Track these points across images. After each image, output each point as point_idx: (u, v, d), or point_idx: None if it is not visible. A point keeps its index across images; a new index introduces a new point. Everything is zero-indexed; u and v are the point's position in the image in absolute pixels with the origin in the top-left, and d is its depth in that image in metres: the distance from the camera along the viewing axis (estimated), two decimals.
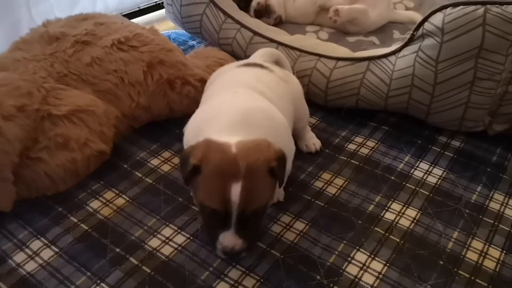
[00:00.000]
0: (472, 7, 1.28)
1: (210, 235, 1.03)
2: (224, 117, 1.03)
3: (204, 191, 0.97)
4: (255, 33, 1.65)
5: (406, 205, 1.27)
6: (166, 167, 1.36)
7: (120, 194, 1.28)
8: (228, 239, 0.97)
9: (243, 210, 0.95)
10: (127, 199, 1.26)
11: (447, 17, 1.30)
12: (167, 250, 1.14)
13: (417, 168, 1.39)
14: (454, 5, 1.30)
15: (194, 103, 1.51)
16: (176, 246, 1.15)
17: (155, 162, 1.38)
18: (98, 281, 1.07)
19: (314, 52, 1.56)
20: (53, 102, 1.27)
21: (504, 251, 1.16)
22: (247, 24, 1.67)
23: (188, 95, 1.49)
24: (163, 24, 2.12)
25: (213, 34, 1.73)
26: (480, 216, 1.25)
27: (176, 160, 1.39)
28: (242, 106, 1.07)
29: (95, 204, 1.25)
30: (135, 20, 2.11)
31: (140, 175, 1.34)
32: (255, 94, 1.14)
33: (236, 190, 0.93)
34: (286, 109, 1.21)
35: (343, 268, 1.11)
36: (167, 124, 1.51)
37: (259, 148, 0.97)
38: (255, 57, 1.45)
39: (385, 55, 1.46)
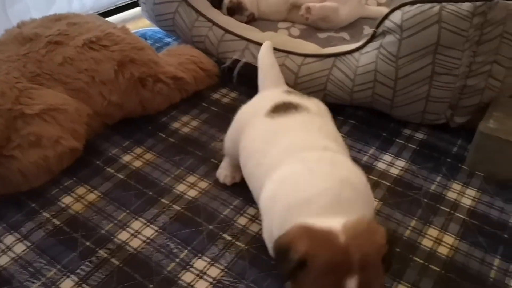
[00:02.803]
0: (428, 5, 1.32)
1: None
2: (315, 197, 0.88)
3: None
4: (226, 30, 1.70)
5: None
6: (138, 163, 1.41)
7: (92, 189, 1.32)
8: None
9: None
10: (99, 194, 1.31)
11: (405, 14, 1.35)
12: (135, 243, 1.19)
13: (381, 160, 1.44)
14: (412, 3, 1.34)
15: (166, 100, 1.57)
16: (144, 238, 1.20)
17: (127, 158, 1.43)
18: (68, 273, 1.11)
19: (283, 49, 1.61)
20: (25, 101, 1.31)
21: (458, 238, 1.22)
22: (218, 22, 1.71)
23: (160, 92, 1.53)
24: (140, 21, 2.15)
25: (186, 32, 1.77)
26: (438, 205, 1.30)
27: (148, 156, 1.43)
28: (327, 180, 0.91)
29: (67, 199, 1.29)
30: (112, 18, 2.15)
31: (112, 171, 1.38)
32: (324, 155, 0.98)
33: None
34: (344, 149, 1.08)
35: None
36: (140, 121, 1.55)
37: (368, 231, 0.82)
38: (267, 79, 1.33)
39: (350, 52, 1.51)
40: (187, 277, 1.12)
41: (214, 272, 1.13)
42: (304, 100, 1.16)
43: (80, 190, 1.32)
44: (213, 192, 1.33)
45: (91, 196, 1.30)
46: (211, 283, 1.10)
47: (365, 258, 0.78)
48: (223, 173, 1.34)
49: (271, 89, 1.28)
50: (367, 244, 0.80)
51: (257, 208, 1.28)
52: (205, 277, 1.12)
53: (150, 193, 1.32)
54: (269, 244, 0.99)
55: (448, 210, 1.29)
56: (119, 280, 1.10)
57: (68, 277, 1.11)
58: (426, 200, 1.32)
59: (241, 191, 1.32)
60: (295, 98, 1.17)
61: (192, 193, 1.32)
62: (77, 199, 1.29)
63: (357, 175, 0.96)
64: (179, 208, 1.28)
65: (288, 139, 1.04)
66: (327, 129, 1.10)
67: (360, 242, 0.79)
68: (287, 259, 0.80)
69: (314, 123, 1.09)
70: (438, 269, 1.14)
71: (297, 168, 0.95)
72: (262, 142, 1.07)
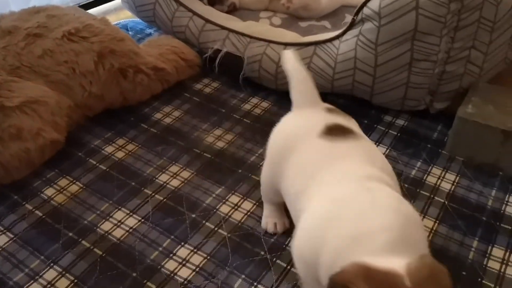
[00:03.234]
0: None
1: None
2: (377, 233, 0.76)
3: None
4: (207, 20, 1.70)
5: None
6: (120, 154, 1.41)
7: (74, 181, 1.32)
8: None
9: None
10: (81, 185, 1.31)
11: (383, 1, 1.36)
12: (118, 233, 1.19)
13: None
14: None
15: (147, 91, 1.58)
16: (127, 228, 1.20)
17: (109, 149, 1.43)
18: (51, 264, 1.12)
19: (264, 38, 1.61)
20: (5, 94, 1.31)
21: (438, 221, 1.24)
22: (198, 12, 1.71)
23: (141, 83, 1.53)
24: (122, 13, 2.14)
25: (167, 23, 1.77)
26: (418, 190, 1.32)
27: (130, 147, 1.44)
28: (393, 214, 0.80)
29: (49, 191, 1.29)
30: (93, 10, 2.14)
31: (94, 162, 1.38)
32: (391, 192, 0.87)
33: None
34: (397, 186, 0.96)
35: (286, 243, 1.17)
36: (122, 112, 1.55)
37: (433, 273, 0.72)
38: (303, 96, 1.12)
39: (330, 40, 1.52)
40: (170, 265, 1.13)
41: (197, 259, 1.14)
42: (347, 120, 1.06)
43: (63, 182, 1.32)
44: (196, 181, 1.33)
45: (74, 188, 1.30)
46: (194, 270, 1.11)
47: None
48: (271, 221, 1.19)
49: (310, 108, 1.10)
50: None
51: (241, 196, 1.29)
52: (188, 264, 1.13)
53: (133, 183, 1.32)
54: (299, 264, 0.91)
55: (428, 194, 1.31)
56: (102, 269, 1.11)
57: (51, 267, 1.11)
58: (406, 185, 1.33)
59: (223, 179, 1.34)
60: (344, 120, 1.05)
61: (175, 182, 1.33)
62: (59, 191, 1.29)
63: (415, 215, 0.85)
64: (161, 198, 1.28)
65: (348, 166, 0.92)
66: (389, 167, 0.98)
67: (427, 287, 0.70)
68: None
69: (378, 156, 0.98)
70: None
71: (358, 194, 0.84)
72: (315, 165, 0.95)
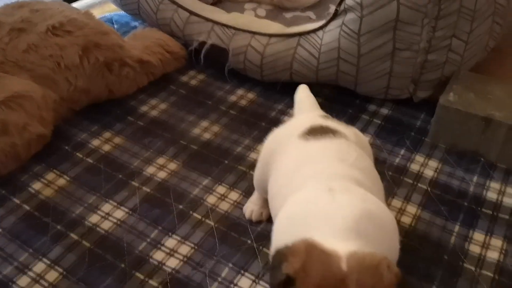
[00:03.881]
0: None
1: None
2: (332, 221, 0.79)
3: None
4: (191, 12, 1.70)
5: None
6: (106, 147, 1.42)
7: (61, 174, 1.33)
8: None
9: None
10: (68, 179, 1.32)
11: None
12: (106, 225, 1.21)
13: None
14: None
15: (133, 84, 1.59)
16: (115, 220, 1.22)
17: (96, 142, 1.43)
18: (40, 257, 1.13)
19: (248, 30, 1.62)
20: None
21: (421, 208, 1.26)
22: (183, 4, 1.72)
23: (127, 76, 1.54)
24: (106, 6, 2.14)
25: (151, 15, 1.77)
26: (401, 177, 1.34)
27: (117, 140, 1.45)
28: (351, 208, 0.81)
29: (37, 185, 1.30)
30: (78, 4, 2.13)
31: (81, 155, 1.39)
32: (354, 188, 0.88)
33: None
34: (380, 191, 0.97)
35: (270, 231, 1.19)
36: (108, 105, 1.56)
37: (377, 270, 0.71)
38: (303, 106, 1.24)
39: (314, 30, 1.53)
40: (158, 255, 1.14)
41: (185, 249, 1.15)
42: (342, 127, 1.07)
43: (50, 176, 1.33)
44: (183, 173, 1.35)
45: (61, 181, 1.31)
46: (181, 260, 1.13)
47: None
48: (251, 207, 1.22)
49: (306, 113, 1.18)
50: (370, 280, 0.70)
51: (227, 187, 1.31)
52: (176, 254, 1.14)
53: (120, 176, 1.33)
54: None
55: (411, 181, 1.33)
56: (91, 261, 1.12)
57: (40, 260, 1.12)
58: (390, 173, 1.36)
59: (210, 170, 1.35)
60: (333, 123, 1.07)
61: (162, 174, 1.34)
62: (47, 185, 1.30)
63: (386, 215, 0.87)
64: (149, 190, 1.30)
65: (320, 165, 0.94)
66: (364, 164, 0.98)
67: (363, 277, 0.70)
68: (279, 271, 0.72)
69: (350, 153, 0.97)
70: (400, 238, 1.18)
71: (322, 193, 0.85)
72: (293, 164, 0.97)
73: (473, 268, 1.12)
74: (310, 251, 0.72)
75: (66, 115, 1.48)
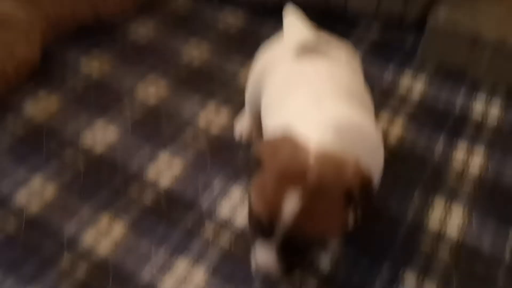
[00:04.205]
0: None
1: (251, 242, 0.82)
2: (316, 121, 0.82)
3: (255, 192, 0.77)
4: None
5: None
6: (96, 70, 1.42)
7: (52, 97, 1.34)
8: (264, 258, 0.78)
9: (292, 234, 0.74)
10: (59, 102, 1.33)
11: None
12: (100, 146, 1.24)
13: None
14: None
15: (117, 4, 1.56)
16: (108, 142, 1.24)
17: (85, 65, 1.43)
18: (36, 173, 1.16)
19: None
20: None
21: (406, 126, 1.29)
22: None
23: None
24: None
25: None
26: (389, 98, 1.37)
27: (105, 63, 1.44)
28: (336, 113, 0.84)
29: (28, 108, 1.32)
30: None
31: (70, 79, 1.39)
32: (344, 102, 0.89)
33: (290, 206, 0.71)
34: (370, 110, 0.97)
35: None
36: (95, 30, 1.54)
37: (341, 169, 0.74)
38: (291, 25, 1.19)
39: None
40: (152, 173, 1.18)
41: (177, 168, 1.19)
42: (333, 45, 1.05)
43: (40, 99, 1.34)
44: (172, 95, 1.36)
45: (52, 104, 1.32)
46: (173, 176, 1.17)
47: (321, 184, 0.71)
48: (240, 129, 1.25)
49: (298, 30, 1.14)
50: (332, 173, 0.73)
51: (217, 105, 1.32)
52: (168, 171, 1.18)
53: (109, 99, 1.34)
54: None
55: (398, 101, 1.36)
56: (86, 178, 1.16)
57: (36, 176, 1.16)
58: (378, 95, 1.37)
59: (200, 91, 1.36)
60: (324, 40, 1.05)
61: (152, 96, 1.35)
62: (38, 107, 1.31)
63: (371, 130, 0.88)
64: (140, 111, 1.32)
65: (312, 87, 0.92)
66: (354, 87, 0.96)
67: (325, 172, 0.72)
68: (251, 154, 0.79)
69: (342, 76, 0.96)
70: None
71: (311, 102, 0.87)
72: (286, 85, 0.96)
73: (454, 181, 1.17)
74: (284, 141, 0.76)
75: (54, 39, 1.47)
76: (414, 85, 1.40)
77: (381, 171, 0.90)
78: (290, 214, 0.71)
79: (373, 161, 0.85)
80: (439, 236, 1.07)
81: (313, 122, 0.82)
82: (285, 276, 0.80)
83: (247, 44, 1.52)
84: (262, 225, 0.75)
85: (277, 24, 1.42)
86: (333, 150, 0.76)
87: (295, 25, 1.19)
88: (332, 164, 0.74)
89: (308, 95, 0.90)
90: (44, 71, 1.40)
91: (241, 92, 1.26)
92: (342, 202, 0.73)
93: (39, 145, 1.22)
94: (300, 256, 0.79)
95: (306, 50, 1.01)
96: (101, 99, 1.34)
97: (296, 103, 0.89)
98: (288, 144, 0.76)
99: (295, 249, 0.77)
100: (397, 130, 1.28)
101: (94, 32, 1.53)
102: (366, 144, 0.84)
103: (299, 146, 0.75)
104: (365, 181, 0.75)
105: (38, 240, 1.05)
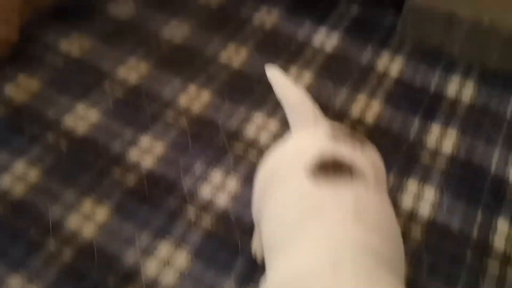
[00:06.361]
0: None
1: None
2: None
3: None
4: None
5: (301, 70, 1.39)
6: (75, 49, 1.42)
7: (32, 78, 1.34)
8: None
9: None
10: (39, 82, 1.33)
11: None
12: (81, 127, 1.25)
13: (315, 37, 1.49)
14: None
15: None
16: (90, 122, 1.26)
17: (64, 44, 1.43)
18: (19, 156, 1.18)
19: None
20: None
21: (384, 103, 1.32)
22: None
23: None
24: None
25: None
26: (368, 76, 1.39)
27: (85, 42, 1.44)
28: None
29: (8, 89, 1.32)
30: None
31: (50, 58, 1.39)
32: (365, 266, 0.66)
33: None
34: (400, 258, 0.74)
35: (241, 129, 1.25)
36: (74, 9, 1.53)
37: None
38: (299, 116, 0.91)
39: None
40: (134, 154, 1.20)
41: (159, 150, 1.21)
42: (357, 152, 0.80)
43: (21, 79, 1.34)
44: (154, 74, 1.36)
45: (33, 84, 1.32)
46: (156, 158, 1.20)
47: None
48: (254, 247, 1.07)
49: (309, 130, 0.88)
50: None
51: (197, 87, 1.33)
52: (150, 154, 1.20)
53: (92, 78, 1.35)
54: None
55: (376, 80, 1.38)
56: (68, 160, 1.18)
57: (19, 159, 1.18)
58: (357, 74, 1.39)
59: (181, 72, 1.37)
60: (347, 149, 0.80)
61: (133, 76, 1.36)
62: (19, 88, 1.31)
63: None
64: (121, 91, 1.32)
65: (328, 223, 0.71)
66: (385, 223, 0.74)
67: None
68: None
69: (370, 208, 0.74)
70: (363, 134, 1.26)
71: (324, 267, 0.65)
72: (295, 210, 0.74)
73: (428, 159, 1.21)
74: None
75: (33, 17, 1.45)
76: (391, 64, 1.42)
77: None
78: None
79: None
80: (412, 215, 1.12)
81: None
82: None
83: (228, 24, 1.52)
84: None
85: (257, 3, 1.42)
86: None
87: (303, 112, 0.91)
88: None
89: (322, 247, 0.68)
90: (23, 53, 1.39)
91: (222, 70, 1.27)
92: None
93: (21, 128, 1.23)
94: None
95: (324, 167, 0.76)
96: (82, 80, 1.34)
97: (307, 253, 0.68)
98: None
99: None
100: (375, 109, 1.31)
101: (73, 13, 1.52)
102: None
103: None
104: None
105: (23, 225, 1.07)
